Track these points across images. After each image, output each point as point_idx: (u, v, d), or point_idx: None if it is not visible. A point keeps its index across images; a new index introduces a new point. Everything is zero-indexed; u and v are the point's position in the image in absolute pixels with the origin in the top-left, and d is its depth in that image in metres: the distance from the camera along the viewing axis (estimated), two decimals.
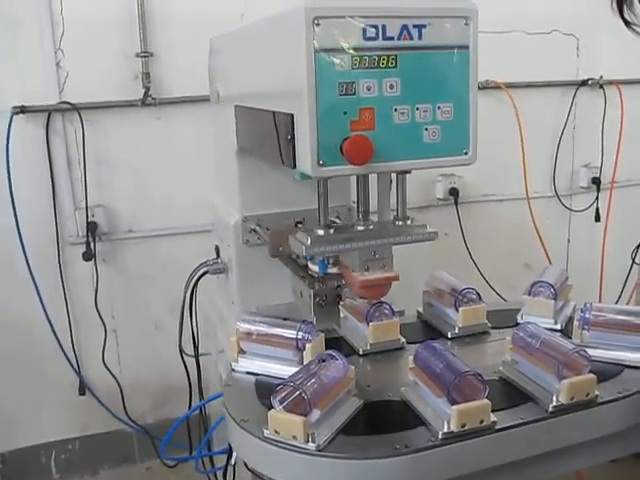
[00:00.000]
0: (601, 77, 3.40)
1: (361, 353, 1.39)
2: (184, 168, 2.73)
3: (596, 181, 3.53)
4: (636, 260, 2.89)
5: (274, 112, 1.26)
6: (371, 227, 1.32)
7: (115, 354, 2.83)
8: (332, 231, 1.30)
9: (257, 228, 1.76)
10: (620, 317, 1.32)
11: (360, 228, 1.32)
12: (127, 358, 2.86)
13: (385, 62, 1.14)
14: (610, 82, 3.39)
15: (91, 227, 2.65)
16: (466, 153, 1.23)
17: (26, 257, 2.60)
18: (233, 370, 1.33)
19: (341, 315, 1.51)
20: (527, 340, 1.23)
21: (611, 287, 3.42)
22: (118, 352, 2.83)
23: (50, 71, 2.58)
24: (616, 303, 3.21)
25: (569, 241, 3.64)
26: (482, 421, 1.07)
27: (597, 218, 3.58)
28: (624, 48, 3.33)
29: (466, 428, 1.06)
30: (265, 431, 1.09)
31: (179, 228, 2.80)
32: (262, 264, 1.78)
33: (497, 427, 1.09)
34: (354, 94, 1.13)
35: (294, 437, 1.05)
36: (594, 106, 3.44)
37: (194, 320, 1.90)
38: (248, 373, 1.32)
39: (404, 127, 1.17)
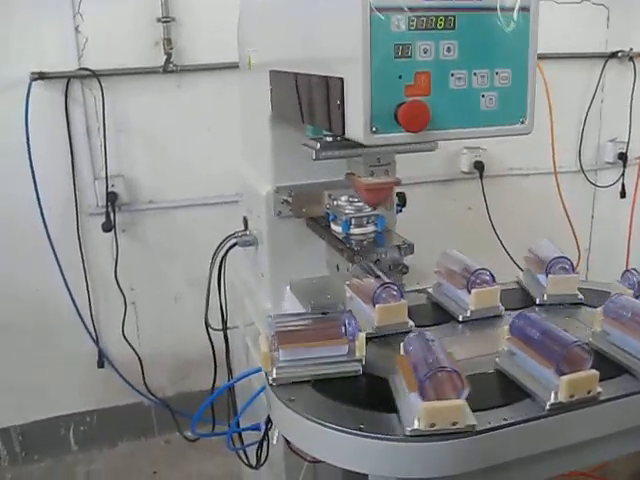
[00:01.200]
0: (631, 49, 3.31)
1: (461, 320, 1.38)
2: (206, 137, 2.67)
3: (622, 156, 3.45)
4: None
5: (320, 76, 1.20)
6: None
7: (134, 326, 2.79)
8: (341, 138, 1.30)
9: (289, 199, 1.70)
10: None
11: None
12: (146, 330, 2.82)
13: (443, 23, 1.07)
14: None
15: (111, 197, 2.60)
16: (522, 122, 1.17)
17: (46, 227, 2.56)
18: (272, 385, 1.20)
19: (347, 295, 1.46)
20: (524, 330, 1.16)
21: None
22: (137, 324, 2.80)
23: (69, 36, 2.51)
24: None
25: (593, 217, 3.57)
26: (589, 391, 1.05)
27: (623, 194, 3.51)
28: None
29: (574, 399, 1.04)
30: (414, 425, 1.01)
31: (200, 199, 2.74)
32: (294, 236, 1.74)
33: (602, 398, 1.07)
34: (410, 57, 1.06)
35: (453, 423, 1.00)
36: (623, 79, 3.35)
37: (222, 293, 1.84)
38: (294, 383, 1.20)
39: (460, 93, 1.11)
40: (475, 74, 1.11)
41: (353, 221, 1.54)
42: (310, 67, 1.25)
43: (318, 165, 1.71)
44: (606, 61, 3.31)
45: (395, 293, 1.35)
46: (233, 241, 1.85)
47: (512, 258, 3.11)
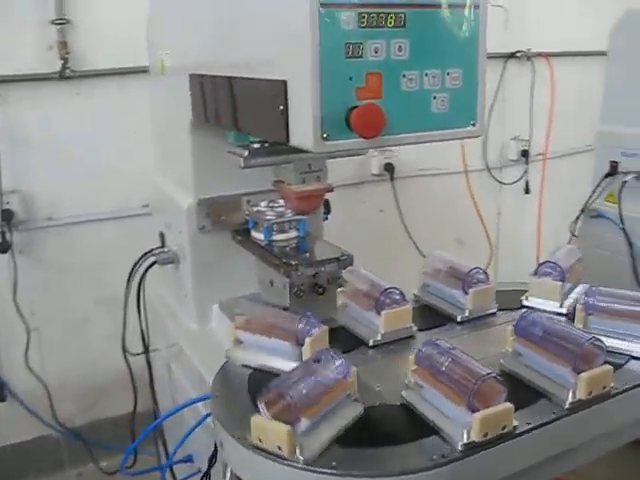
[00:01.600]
0: (529, 50, 3.39)
1: (371, 344, 1.26)
2: (111, 147, 2.48)
3: (525, 154, 3.53)
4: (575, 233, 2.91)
5: (257, 79, 1.09)
6: None
7: (38, 353, 2.56)
8: (269, 144, 1.30)
9: (208, 211, 1.59)
10: (626, 306, 1.24)
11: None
12: (51, 357, 2.59)
13: (393, 21, 1.00)
14: (539, 54, 3.38)
15: (6, 215, 2.36)
16: (473, 125, 1.12)
17: None
18: (227, 360, 1.19)
19: (339, 302, 1.37)
20: (531, 330, 1.13)
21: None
22: (41, 351, 2.56)
23: None
24: None
25: (499, 214, 3.64)
26: (504, 427, 0.96)
27: (527, 190, 3.60)
28: (552, 21, 3.35)
29: (488, 437, 0.94)
30: (249, 437, 0.95)
31: (106, 213, 2.55)
32: (219, 251, 1.62)
33: (517, 432, 0.98)
34: (361, 57, 0.98)
35: (279, 447, 0.91)
36: (522, 79, 3.43)
37: (142, 315, 1.70)
38: (244, 366, 1.17)
39: (412, 95, 1.04)
40: (427, 75, 1.04)
41: (275, 227, 1.48)
42: (243, 70, 1.14)
43: (242, 175, 1.60)
44: (506, 61, 3.38)
45: (398, 297, 1.28)
46: (152, 259, 1.71)
47: (423, 255, 3.11)
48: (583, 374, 1.03)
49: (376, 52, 0.99)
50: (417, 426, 1.00)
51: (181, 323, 1.69)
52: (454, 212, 3.36)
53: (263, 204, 1.56)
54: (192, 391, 1.56)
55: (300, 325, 1.13)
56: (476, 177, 3.45)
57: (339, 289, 1.40)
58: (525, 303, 1.42)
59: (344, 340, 1.29)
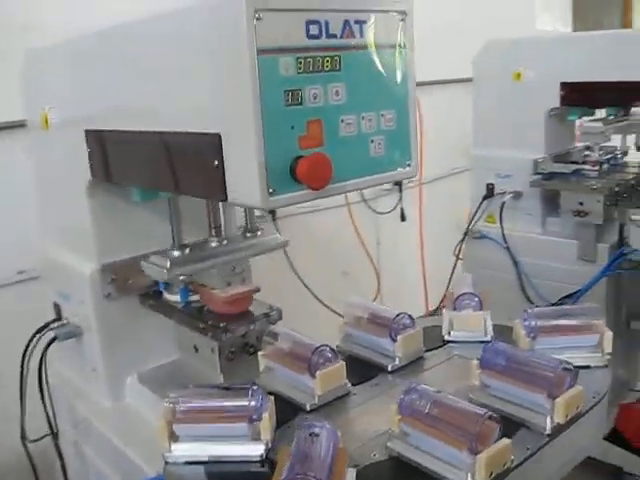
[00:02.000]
0: None
1: (308, 409, 1.16)
2: None
3: (398, 183, 3.60)
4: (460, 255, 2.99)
5: (182, 133, 1.00)
6: (225, 242, 1.29)
7: None
8: (188, 251, 1.26)
9: (113, 276, 1.45)
10: (563, 321, 1.27)
11: (214, 245, 1.29)
12: None
13: (329, 64, 0.95)
14: None
15: None
16: (409, 165, 1.09)
17: None
18: (167, 462, 1.04)
19: (262, 366, 1.27)
20: (498, 362, 1.12)
21: (434, 285, 3.52)
22: None
23: None
24: (442, 302, 3.30)
25: (379, 244, 3.69)
26: (505, 463, 0.94)
27: (402, 218, 3.67)
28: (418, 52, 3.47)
29: (492, 476, 0.92)
30: None
31: None
32: (129, 319, 1.49)
33: (514, 465, 0.97)
34: (300, 104, 0.93)
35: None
36: None
37: (46, 398, 1.52)
38: (188, 463, 1.03)
39: (351, 140, 1.00)
40: (363, 118, 1.01)
41: (190, 286, 1.39)
42: (166, 123, 1.04)
43: (146, 234, 1.50)
44: None
45: (330, 355, 1.19)
46: (51, 334, 1.53)
47: (315, 295, 3.09)
48: (558, 399, 1.04)
49: (315, 98, 0.94)
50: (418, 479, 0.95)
51: (91, 402, 1.52)
52: (338, 246, 3.37)
53: None
54: (112, 472, 1.41)
55: (253, 401, 1.03)
56: (354, 209, 3.48)
57: (259, 352, 1.31)
58: (448, 338, 1.41)
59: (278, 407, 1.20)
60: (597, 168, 2.56)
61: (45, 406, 1.51)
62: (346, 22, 0.95)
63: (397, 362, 1.29)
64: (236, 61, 0.87)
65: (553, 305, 2.53)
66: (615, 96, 2.41)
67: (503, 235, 2.66)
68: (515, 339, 1.30)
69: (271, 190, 0.91)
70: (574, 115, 2.58)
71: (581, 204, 2.42)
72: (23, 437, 1.63)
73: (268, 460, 1.02)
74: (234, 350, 1.31)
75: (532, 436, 1.04)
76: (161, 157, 1.06)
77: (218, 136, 0.93)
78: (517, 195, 2.68)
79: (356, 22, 0.97)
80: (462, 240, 2.86)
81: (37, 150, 1.59)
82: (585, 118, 2.59)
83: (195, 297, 1.41)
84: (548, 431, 1.03)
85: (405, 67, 1.04)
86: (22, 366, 1.55)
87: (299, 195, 0.94)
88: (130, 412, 1.47)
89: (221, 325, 1.27)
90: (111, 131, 1.19)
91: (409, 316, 1.32)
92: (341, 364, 1.19)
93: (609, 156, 2.62)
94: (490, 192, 2.75)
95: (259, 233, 1.34)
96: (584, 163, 2.61)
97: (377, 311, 1.36)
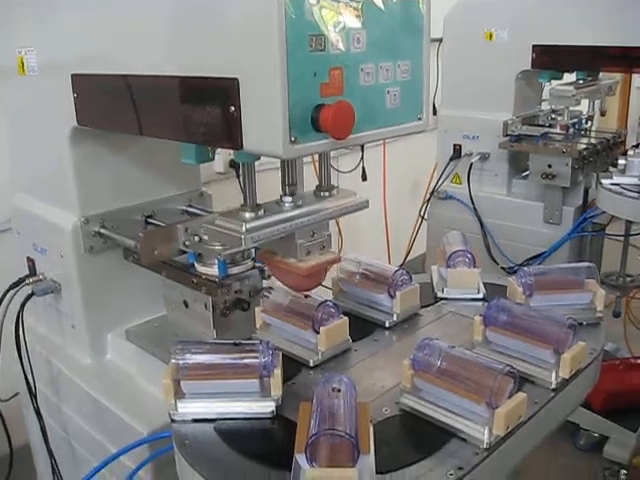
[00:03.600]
0: None
1: (312, 365, 1.15)
2: None
3: None
4: (425, 216, 3.00)
5: (194, 78, 0.95)
6: (300, 203, 1.09)
7: None
8: (262, 212, 1.05)
9: (102, 230, 1.40)
10: (556, 278, 1.28)
11: (288, 206, 1.08)
12: None
13: (352, 11, 0.91)
14: None
15: None
16: (420, 119, 1.07)
17: None
18: (173, 420, 1.01)
19: (259, 322, 1.24)
20: (502, 318, 1.12)
21: (395, 244, 3.53)
22: None
23: None
24: (405, 260, 3.32)
25: None
26: (520, 417, 0.95)
27: (364, 177, 3.65)
28: None
29: (509, 430, 0.93)
30: None
31: None
32: (111, 274, 1.44)
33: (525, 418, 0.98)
34: (324, 50, 0.89)
35: None
36: None
37: (25, 357, 1.45)
38: (196, 420, 1.00)
39: (369, 90, 0.97)
40: (381, 67, 0.97)
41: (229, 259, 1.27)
42: (174, 67, 0.99)
43: (132, 184, 1.44)
44: None
45: (334, 310, 1.16)
46: (28, 290, 1.47)
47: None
48: (565, 355, 1.05)
49: (337, 45, 0.90)
50: (433, 433, 0.95)
51: (71, 359, 1.48)
52: None
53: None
54: (97, 433, 1.38)
55: (264, 358, 1.00)
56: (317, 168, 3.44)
57: (257, 307, 1.27)
58: (441, 295, 1.41)
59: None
60: (564, 132, 2.60)
61: (23, 365, 1.45)
62: None
63: (395, 318, 1.29)
64: (262, 2, 0.83)
65: (520, 266, 2.59)
66: (586, 60, 2.43)
67: (470, 196, 2.68)
68: (510, 297, 1.30)
69: (293, 139, 0.87)
70: (544, 78, 2.59)
71: (549, 166, 2.45)
72: None
73: (279, 416, 1.00)
74: (228, 306, 1.28)
75: (538, 391, 1.05)
76: (172, 103, 1.00)
77: (236, 80, 0.89)
78: (484, 156, 2.70)
79: None
80: (428, 200, 2.88)
81: (9, 95, 1.50)
82: (554, 82, 2.61)
83: (235, 269, 1.28)
84: (554, 386, 1.05)
85: (422, 19, 1.01)
86: None
87: (320, 144, 0.91)
88: (113, 368, 1.44)
89: (217, 280, 1.24)
90: (108, 75, 1.12)
91: (407, 272, 1.31)
92: (344, 320, 1.18)
93: (575, 120, 2.65)
94: (457, 153, 2.76)
95: (334, 192, 1.16)
96: (550, 126, 2.64)
97: (373, 267, 1.34)
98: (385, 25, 0.96)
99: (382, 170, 3.58)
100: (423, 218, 2.97)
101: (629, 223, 2.55)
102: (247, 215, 1.03)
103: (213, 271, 1.26)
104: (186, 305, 1.34)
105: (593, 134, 2.71)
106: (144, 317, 1.46)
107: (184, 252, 1.31)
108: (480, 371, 0.95)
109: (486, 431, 0.91)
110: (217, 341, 1.11)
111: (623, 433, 2.53)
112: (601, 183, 2.22)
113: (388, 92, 0.99)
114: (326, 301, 1.16)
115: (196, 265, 1.29)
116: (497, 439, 0.92)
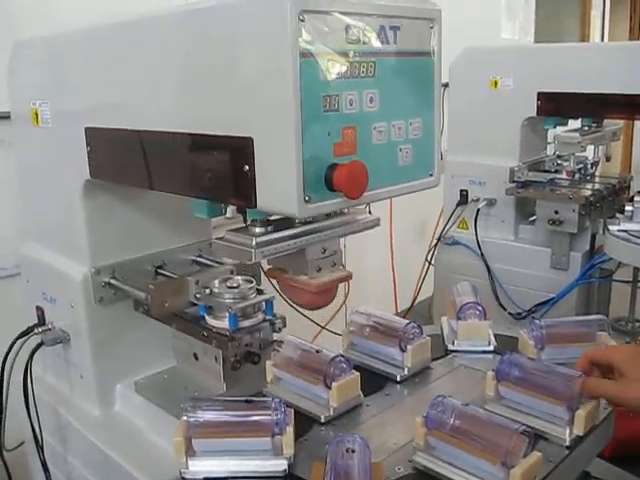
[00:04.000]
0: None
1: (323, 421, 1.14)
2: None
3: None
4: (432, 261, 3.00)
5: (209, 136, 0.96)
6: (310, 220, 1.06)
7: None
8: (271, 228, 1.02)
9: (112, 281, 1.40)
10: (570, 330, 1.27)
11: (299, 222, 1.04)
12: None
13: (365, 70, 0.93)
14: None
15: None
16: (431, 175, 1.08)
17: None
18: (184, 479, 0.99)
19: (270, 376, 1.24)
20: (514, 373, 1.12)
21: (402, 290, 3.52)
22: None
23: None
24: (412, 304, 3.31)
25: (345, 247, 3.65)
26: (535, 477, 0.94)
27: None
28: None
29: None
30: None
31: None
32: (121, 325, 1.44)
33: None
34: (337, 110, 0.90)
35: None
36: None
37: (32, 408, 1.44)
38: (207, 479, 0.99)
39: (382, 148, 0.98)
40: (394, 126, 0.99)
41: (239, 313, 1.25)
42: (189, 124, 1.00)
43: (143, 235, 1.45)
44: None
45: (345, 366, 1.16)
46: (37, 339, 1.47)
47: (282, 296, 3.04)
48: (579, 411, 1.04)
49: (351, 104, 0.91)
50: None
51: (78, 410, 1.46)
52: None
53: (217, 284, 1.29)
54: None
55: (276, 415, 1.00)
56: None
57: (268, 361, 1.27)
58: (452, 347, 1.40)
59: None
60: (570, 178, 2.61)
61: (30, 415, 1.43)
62: (382, 27, 0.93)
63: (406, 372, 1.28)
64: (277, 63, 0.84)
65: (528, 312, 2.58)
66: (590, 107, 2.45)
67: (477, 241, 2.69)
68: (521, 349, 1.30)
69: (307, 198, 0.88)
70: (549, 124, 2.62)
71: (556, 213, 2.46)
72: (1, 447, 1.55)
73: (291, 475, 0.99)
74: (238, 359, 1.27)
75: (552, 448, 1.03)
76: (185, 160, 1.02)
77: (250, 140, 0.90)
78: (491, 202, 2.71)
79: (391, 28, 0.95)
80: (435, 245, 2.88)
81: (22, 145, 1.51)
82: (559, 128, 2.64)
83: (246, 322, 1.26)
84: (567, 443, 1.04)
85: (433, 74, 1.03)
86: (2, 373, 1.48)
87: (333, 203, 0.92)
88: (121, 420, 1.42)
89: (228, 333, 1.23)
90: (121, 130, 1.14)
91: (418, 325, 1.30)
92: (356, 375, 1.17)
93: (580, 166, 2.67)
94: (464, 198, 2.78)
95: (346, 210, 1.12)
96: (556, 172, 2.66)
97: (384, 320, 1.34)
98: (398, 82, 0.98)
99: (389, 215, 3.58)
100: (430, 263, 2.97)
101: (637, 269, 2.55)
102: (257, 230, 1.01)
103: (224, 324, 1.25)
104: (196, 357, 1.34)
105: (598, 179, 2.72)
106: (153, 369, 1.45)
107: (195, 304, 1.31)
108: (494, 430, 0.94)
109: None
110: (228, 398, 1.09)
111: None
112: (609, 230, 2.23)
113: (400, 150, 1.01)
114: (338, 356, 1.15)
115: (207, 318, 1.28)
116: None
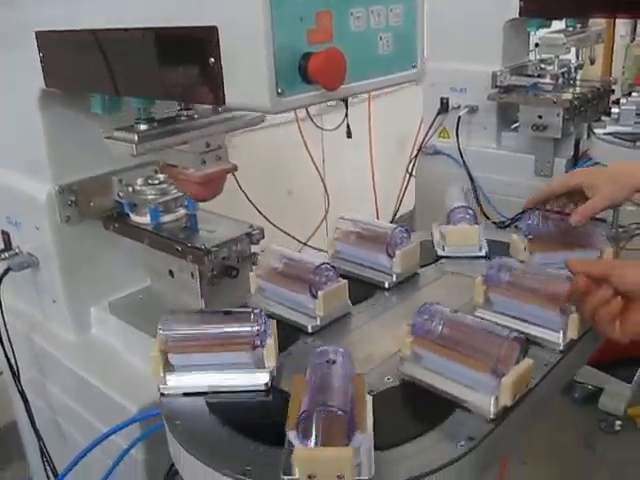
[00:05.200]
0: None
1: (310, 331, 1.09)
2: None
3: (344, 98, 3.48)
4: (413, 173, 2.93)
5: (167, 28, 0.87)
6: (196, 116, 1.10)
7: None
8: (157, 124, 1.07)
9: (77, 198, 1.32)
10: (562, 236, 1.22)
11: (184, 119, 1.09)
12: None
13: None
14: None
15: None
16: (414, 67, 1.00)
17: None
18: (163, 394, 0.95)
19: (253, 286, 1.18)
20: (504, 277, 1.07)
21: (383, 202, 3.47)
22: None
23: None
24: (394, 217, 3.25)
25: (324, 161, 3.59)
26: (527, 384, 0.90)
27: (349, 134, 3.57)
28: None
29: (516, 398, 0.88)
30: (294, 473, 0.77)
31: None
32: (90, 245, 1.37)
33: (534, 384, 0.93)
34: None
35: (339, 477, 0.75)
36: None
37: (5, 337, 1.38)
38: (186, 394, 0.95)
39: (360, 36, 0.89)
40: (372, 12, 0.90)
41: (161, 207, 1.28)
42: (139, 18, 0.90)
43: (105, 149, 1.36)
44: None
45: (332, 274, 1.11)
46: (4, 265, 1.39)
47: (261, 213, 2.98)
48: (572, 315, 1.00)
49: None
50: (436, 403, 0.90)
51: (53, 336, 1.41)
52: (286, 165, 3.27)
53: (140, 182, 1.32)
54: (85, 411, 1.32)
55: (256, 326, 0.94)
56: (302, 125, 3.36)
57: (251, 272, 1.23)
58: (442, 253, 1.35)
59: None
60: (554, 82, 2.52)
61: (3, 345, 1.38)
62: None
63: (394, 279, 1.23)
64: None
65: (512, 220, 2.53)
66: (574, 7, 2.34)
67: (459, 150, 2.61)
68: (513, 254, 1.25)
69: (280, 91, 0.80)
70: (532, 26, 2.51)
71: (540, 118, 2.38)
72: None
73: (274, 388, 0.95)
74: (215, 274, 1.21)
75: (544, 354, 1.00)
76: (142, 58, 0.92)
77: (214, 29, 0.81)
78: (472, 109, 2.62)
79: None
80: (416, 156, 2.80)
81: None
82: (542, 30, 2.53)
83: (166, 217, 1.29)
84: (562, 347, 1.00)
85: None
86: None
87: (310, 96, 0.84)
88: (98, 344, 1.37)
89: (203, 247, 1.17)
90: (72, 31, 1.03)
91: (406, 230, 1.24)
92: (343, 283, 1.12)
93: (564, 69, 2.58)
94: (445, 107, 2.68)
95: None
96: (539, 77, 2.57)
97: (370, 225, 1.28)
98: None
99: (367, 127, 3.50)
100: (411, 175, 2.90)
101: None
102: (141, 127, 1.05)
103: (147, 219, 1.27)
104: (172, 275, 1.28)
105: (582, 83, 2.64)
106: (128, 289, 1.39)
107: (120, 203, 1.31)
108: (484, 337, 0.89)
109: (492, 401, 0.86)
110: (207, 310, 1.04)
111: (618, 384, 2.53)
112: (594, 133, 2.16)
113: (380, 38, 0.92)
114: (323, 264, 1.10)
115: (131, 215, 1.29)
116: (504, 409, 0.87)
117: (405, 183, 2.97)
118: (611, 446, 2.45)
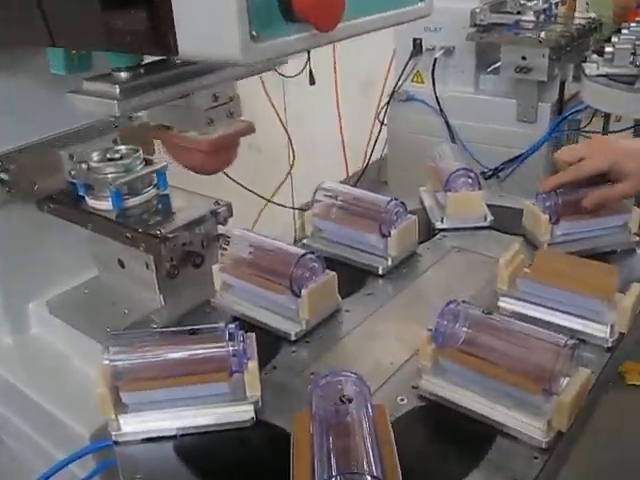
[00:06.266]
0: None
1: (294, 338, 0.88)
2: None
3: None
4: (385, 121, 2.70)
5: None
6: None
7: None
8: (143, 71, 0.78)
9: (3, 175, 1.07)
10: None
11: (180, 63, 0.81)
12: None
13: None
14: None
15: None
16: (422, 0, 0.77)
17: None
18: (117, 443, 0.73)
19: (218, 282, 0.96)
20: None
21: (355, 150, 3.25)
22: None
23: None
24: (365, 168, 3.04)
25: (285, 110, 3.34)
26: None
27: (312, 81, 3.31)
28: None
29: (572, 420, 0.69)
30: None
31: None
32: (24, 231, 1.12)
33: None
34: None
35: None
36: None
37: None
38: (147, 440, 0.73)
39: None
40: None
41: (126, 188, 1.01)
42: None
43: (38, 113, 1.11)
44: None
45: (317, 265, 0.89)
46: None
47: (233, 179, 2.74)
48: (624, 302, 0.83)
49: None
50: (471, 431, 0.71)
51: None
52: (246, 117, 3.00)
53: (96, 157, 1.04)
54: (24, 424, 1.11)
55: (232, 346, 0.72)
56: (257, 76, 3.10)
57: (215, 265, 0.99)
58: (440, 226, 1.14)
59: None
60: (536, 19, 2.31)
61: None
62: None
63: (390, 263, 1.02)
64: None
65: (494, 171, 2.35)
66: None
67: (435, 96, 2.40)
68: (529, 224, 1.05)
69: (254, 34, 0.57)
70: None
71: (524, 59, 2.17)
72: None
73: (259, 423, 0.74)
74: (175, 264, 0.99)
75: (589, 352, 0.81)
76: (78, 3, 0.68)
77: None
78: (449, 51, 2.40)
79: None
80: (388, 102, 2.58)
81: None
82: None
83: (134, 200, 1.02)
84: (609, 344, 0.82)
85: None
86: None
87: (294, 40, 0.61)
88: (39, 347, 1.14)
89: (159, 233, 0.95)
90: None
91: (401, 202, 1.02)
92: (332, 276, 0.90)
93: (545, 6, 2.37)
94: (418, 48, 2.45)
95: None
96: (519, 13, 2.35)
97: (356, 197, 1.05)
98: None
99: (332, 72, 3.23)
100: (382, 123, 2.68)
101: (607, 120, 2.34)
102: (123, 75, 0.76)
103: (107, 205, 0.99)
104: (122, 265, 1.05)
105: (564, 20, 2.44)
106: (72, 282, 1.16)
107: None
108: (530, 347, 0.70)
109: (544, 426, 0.67)
110: (165, 330, 0.81)
111: None
112: (586, 75, 1.97)
113: None
114: (306, 253, 0.88)
115: (87, 199, 1.02)
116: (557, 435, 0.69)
117: (377, 132, 2.76)
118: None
